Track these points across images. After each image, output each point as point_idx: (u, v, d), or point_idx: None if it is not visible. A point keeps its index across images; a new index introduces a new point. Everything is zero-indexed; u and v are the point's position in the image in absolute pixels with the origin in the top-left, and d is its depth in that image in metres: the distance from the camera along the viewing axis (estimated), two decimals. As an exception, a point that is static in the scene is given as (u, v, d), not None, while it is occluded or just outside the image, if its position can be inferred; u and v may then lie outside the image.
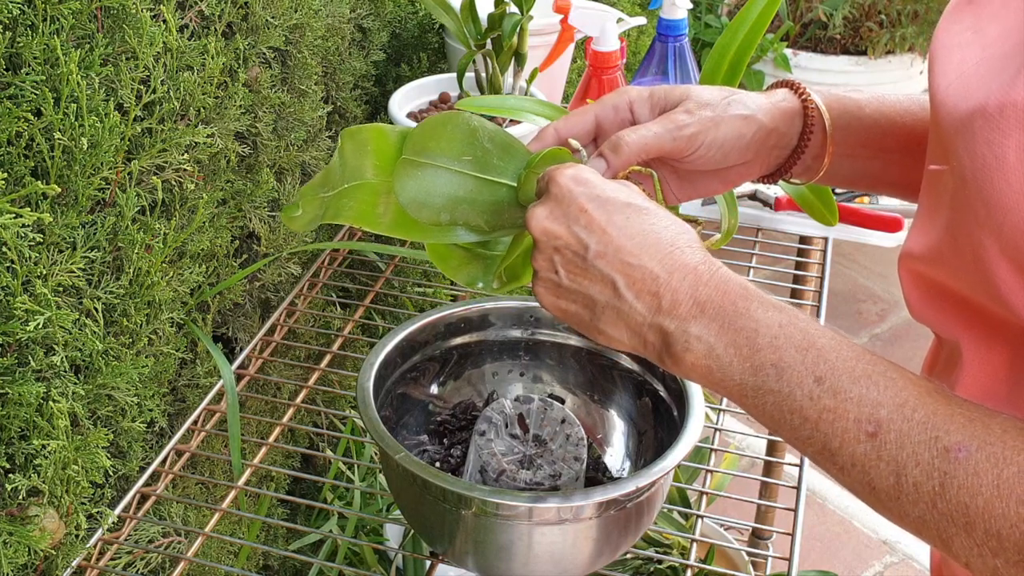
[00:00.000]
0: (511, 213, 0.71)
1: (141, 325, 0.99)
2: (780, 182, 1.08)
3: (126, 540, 0.97)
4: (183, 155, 1.00)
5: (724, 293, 0.59)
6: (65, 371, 0.89)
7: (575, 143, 0.72)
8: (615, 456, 0.96)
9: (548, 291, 0.65)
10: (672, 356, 0.60)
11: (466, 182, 0.70)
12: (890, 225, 1.32)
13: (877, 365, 0.56)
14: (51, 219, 0.81)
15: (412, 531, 1.14)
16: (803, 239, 1.42)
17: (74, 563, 0.92)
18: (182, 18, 1.02)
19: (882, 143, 0.74)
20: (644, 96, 0.73)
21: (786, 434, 0.58)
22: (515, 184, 0.71)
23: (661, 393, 0.92)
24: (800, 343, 0.57)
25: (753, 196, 1.38)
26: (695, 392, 0.87)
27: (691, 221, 0.76)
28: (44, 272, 0.85)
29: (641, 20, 1.37)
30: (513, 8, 1.22)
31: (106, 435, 0.90)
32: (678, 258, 0.60)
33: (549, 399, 0.92)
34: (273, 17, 1.14)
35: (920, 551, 2.07)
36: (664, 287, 0.60)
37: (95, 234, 0.91)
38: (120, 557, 1.00)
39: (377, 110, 1.51)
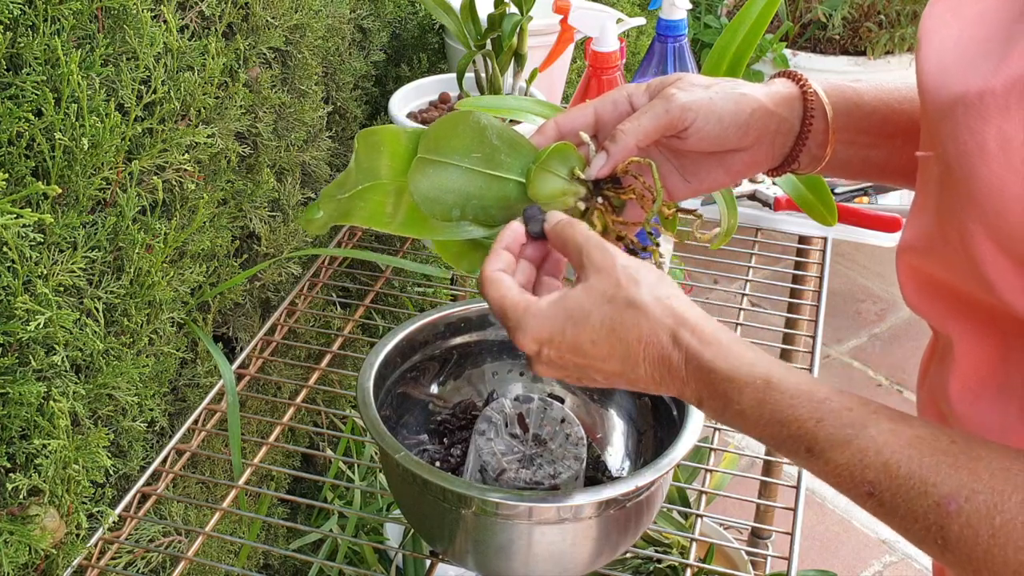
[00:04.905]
0: (518, 208, 0.73)
1: (142, 325, 0.99)
2: (781, 178, 1.08)
3: (127, 539, 0.97)
4: (184, 155, 1.01)
5: (705, 384, 0.62)
6: (66, 371, 0.89)
7: (584, 136, 0.73)
8: (615, 456, 0.96)
9: (600, 386, 0.71)
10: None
11: (475, 178, 0.72)
12: (889, 225, 1.32)
13: (856, 424, 0.57)
14: (52, 219, 0.81)
15: (412, 530, 1.15)
16: (802, 239, 1.42)
17: (75, 562, 0.92)
18: (183, 19, 1.03)
19: (883, 129, 0.74)
20: (641, 88, 0.74)
21: None
22: (522, 180, 0.73)
23: (661, 393, 0.92)
24: (781, 418, 0.59)
25: (752, 196, 1.38)
26: (694, 392, 0.87)
27: (690, 212, 0.76)
28: (45, 272, 0.85)
29: (640, 20, 1.37)
30: (513, 8, 1.22)
31: (107, 434, 0.90)
32: (652, 354, 0.63)
33: (549, 398, 0.92)
34: (273, 17, 1.15)
35: (919, 551, 2.07)
36: (663, 380, 0.64)
37: (96, 234, 0.91)
38: (121, 556, 1.00)
39: (377, 110, 1.51)
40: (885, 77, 2.87)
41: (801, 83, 0.74)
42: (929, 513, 0.53)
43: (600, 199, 0.73)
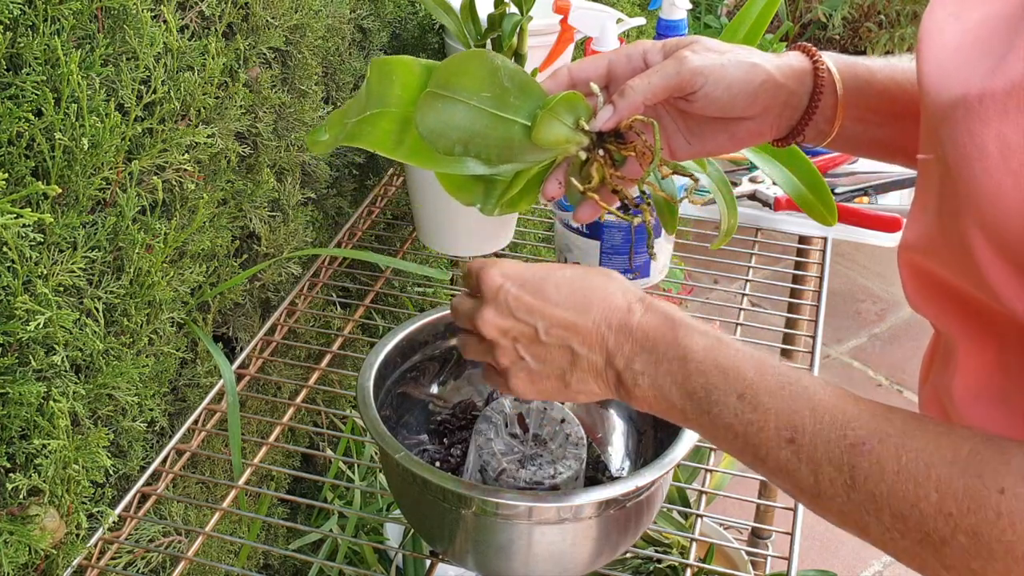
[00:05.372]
0: (520, 150, 0.74)
1: (141, 325, 0.99)
2: (781, 178, 1.08)
3: (127, 539, 0.97)
4: (184, 155, 1.01)
5: (655, 327, 0.65)
6: (66, 371, 0.89)
7: (595, 87, 0.74)
8: (615, 456, 0.96)
9: (523, 381, 0.71)
10: (627, 392, 0.67)
11: (482, 117, 0.73)
12: (889, 225, 1.32)
13: (791, 377, 0.61)
14: (52, 219, 0.81)
15: (412, 530, 1.15)
16: (802, 239, 1.42)
17: (75, 562, 0.92)
18: (183, 19, 1.02)
19: (892, 109, 0.75)
20: (657, 47, 0.76)
21: (726, 448, 0.63)
22: (528, 123, 0.73)
23: (661, 393, 0.92)
24: (723, 364, 0.62)
25: (752, 196, 1.38)
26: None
27: (687, 174, 0.76)
28: (45, 272, 0.85)
29: (641, 20, 1.37)
30: (513, 8, 1.22)
31: (106, 435, 0.90)
32: (611, 304, 0.67)
33: (549, 399, 0.92)
34: (273, 17, 1.15)
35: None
36: (607, 333, 0.66)
37: (96, 234, 0.91)
38: (121, 556, 1.00)
39: (377, 110, 1.51)
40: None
41: (814, 58, 0.75)
42: (844, 454, 0.56)
43: (601, 151, 0.74)
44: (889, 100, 0.75)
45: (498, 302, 0.69)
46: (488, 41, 1.25)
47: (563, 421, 0.89)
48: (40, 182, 0.83)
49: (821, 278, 1.31)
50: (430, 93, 0.72)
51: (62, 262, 0.87)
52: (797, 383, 0.60)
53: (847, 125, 0.76)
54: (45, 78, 0.83)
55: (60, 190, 0.83)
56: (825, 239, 1.37)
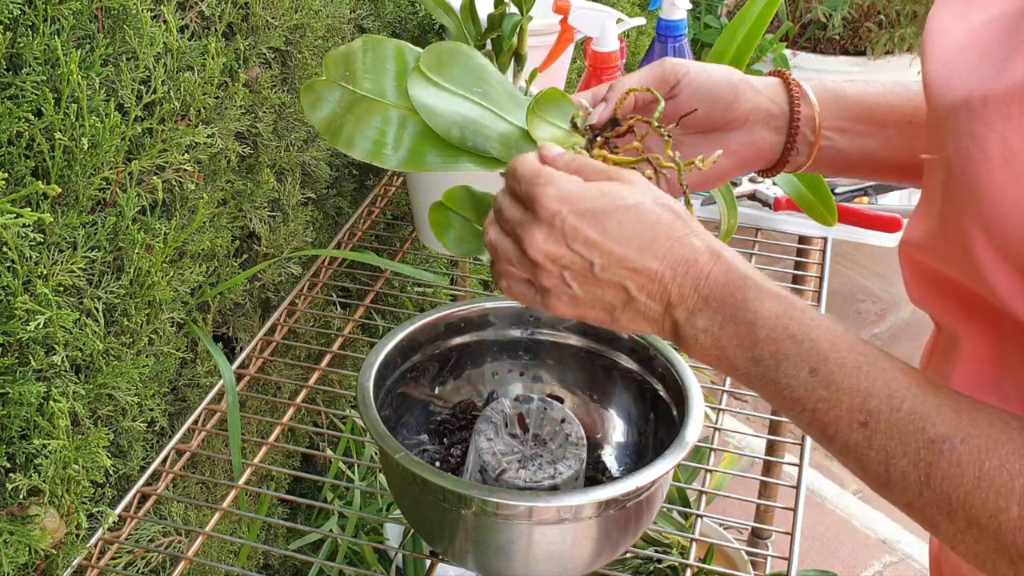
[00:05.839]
0: (520, 147, 0.73)
1: (141, 325, 0.99)
2: (781, 178, 1.08)
3: (127, 539, 0.97)
4: (183, 155, 1.01)
5: (724, 285, 0.61)
6: (66, 371, 0.89)
7: (584, 102, 0.75)
8: (615, 456, 0.96)
9: (565, 304, 0.65)
10: (684, 344, 0.63)
11: (477, 108, 0.73)
12: (889, 225, 1.32)
13: (869, 355, 0.58)
14: (52, 219, 0.81)
15: (412, 530, 1.15)
16: (802, 239, 1.42)
17: (75, 562, 0.92)
18: (182, 19, 1.02)
19: (872, 117, 0.77)
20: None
21: (790, 417, 0.60)
22: (523, 126, 0.73)
23: (661, 393, 0.92)
24: (796, 334, 0.59)
25: (752, 196, 1.38)
26: (695, 392, 0.88)
27: (690, 164, 0.76)
28: (45, 272, 0.85)
29: (640, 20, 1.37)
30: (513, 9, 1.22)
31: (106, 435, 0.90)
32: (678, 252, 0.62)
33: (549, 399, 0.92)
34: (273, 18, 1.15)
35: (919, 550, 2.08)
36: (670, 283, 0.62)
37: (96, 234, 0.91)
38: (121, 556, 1.00)
39: (377, 110, 1.51)
40: (883, 78, 2.87)
41: (780, 73, 0.78)
42: (921, 450, 0.54)
43: (600, 139, 0.74)
44: (866, 108, 0.77)
45: (553, 227, 0.62)
46: (488, 41, 1.25)
47: (563, 421, 0.89)
48: (40, 182, 0.83)
49: (821, 278, 1.31)
50: (424, 76, 0.72)
51: (62, 262, 0.87)
52: (875, 363, 0.57)
53: (834, 138, 0.77)
54: (45, 78, 0.83)
55: (60, 190, 0.83)
56: (825, 239, 1.37)
